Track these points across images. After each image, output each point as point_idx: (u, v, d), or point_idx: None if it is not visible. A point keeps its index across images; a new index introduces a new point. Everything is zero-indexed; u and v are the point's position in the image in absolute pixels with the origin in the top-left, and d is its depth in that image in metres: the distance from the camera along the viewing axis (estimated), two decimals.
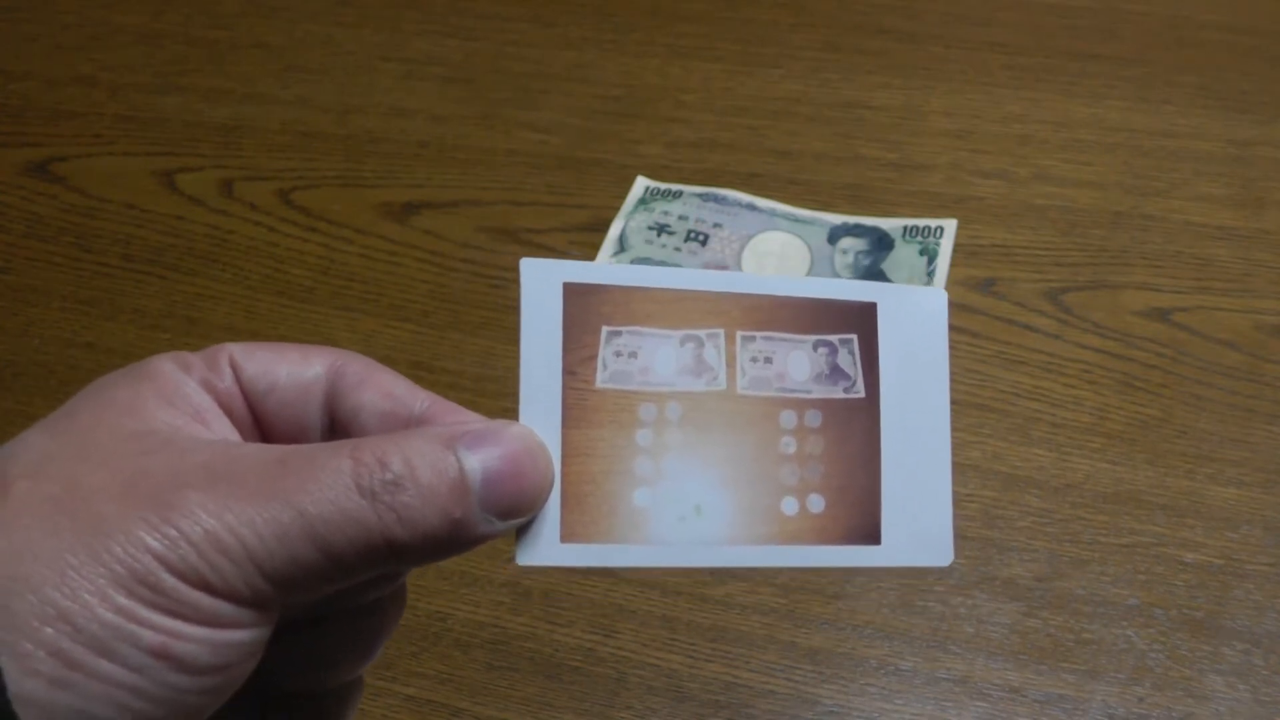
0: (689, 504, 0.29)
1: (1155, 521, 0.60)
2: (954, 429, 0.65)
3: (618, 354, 0.29)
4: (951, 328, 0.71)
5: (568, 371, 0.29)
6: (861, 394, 0.31)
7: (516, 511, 0.27)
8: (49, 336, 0.71)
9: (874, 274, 0.71)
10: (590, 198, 0.77)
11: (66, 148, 0.83)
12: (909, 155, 0.79)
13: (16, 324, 0.71)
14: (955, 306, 0.70)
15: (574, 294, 0.29)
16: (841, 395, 0.30)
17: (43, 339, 0.70)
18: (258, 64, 0.89)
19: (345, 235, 0.76)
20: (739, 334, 0.30)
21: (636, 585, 0.58)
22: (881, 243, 0.73)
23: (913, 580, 0.58)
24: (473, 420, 0.28)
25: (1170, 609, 0.57)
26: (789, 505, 0.30)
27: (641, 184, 0.78)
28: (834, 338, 0.31)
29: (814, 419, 0.30)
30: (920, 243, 0.72)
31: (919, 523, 0.31)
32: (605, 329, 0.29)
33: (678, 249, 0.73)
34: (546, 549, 0.29)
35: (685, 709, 0.54)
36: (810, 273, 0.72)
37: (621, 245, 0.74)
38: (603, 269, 0.30)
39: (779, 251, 0.73)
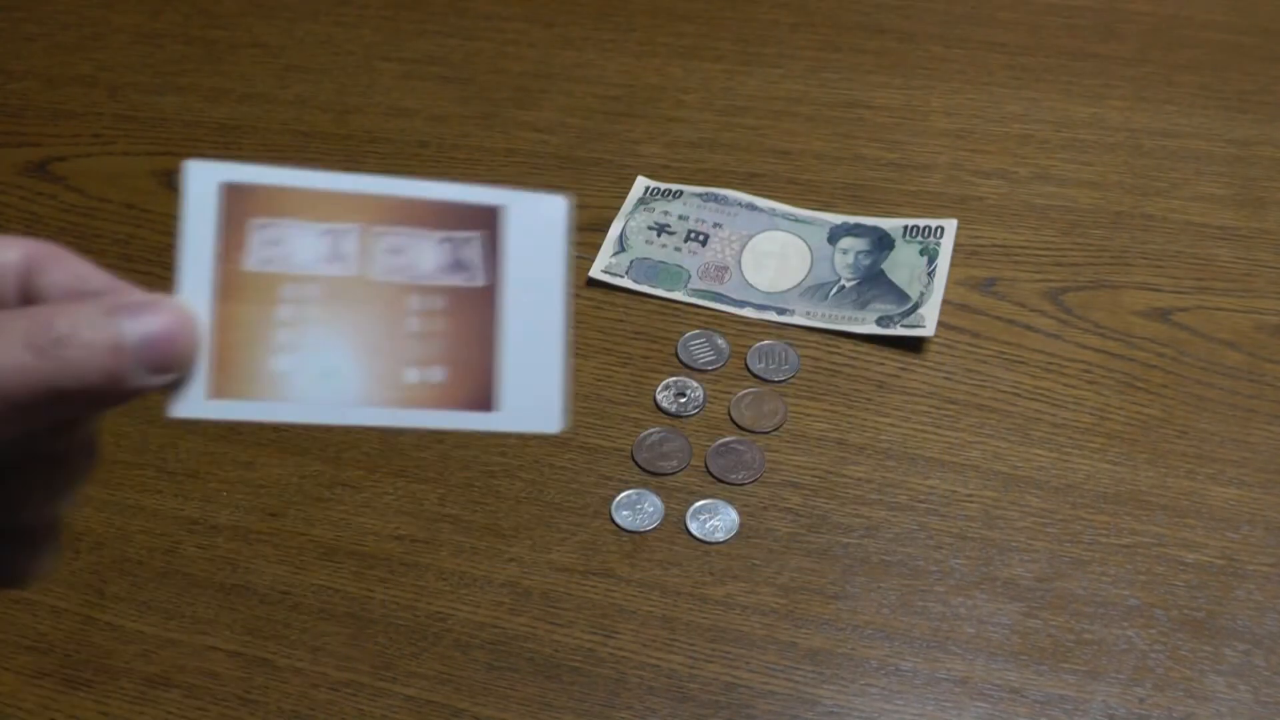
0: (322, 369, 0.34)
1: (1156, 522, 0.60)
2: (954, 429, 0.65)
3: (265, 242, 0.34)
4: (952, 328, 0.72)
5: (220, 256, 0.33)
6: (482, 283, 0.35)
7: (167, 368, 0.32)
8: None
9: (874, 274, 0.71)
10: (590, 198, 0.77)
11: (66, 147, 0.83)
12: (909, 155, 0.79)
13: None
14: (955, 306, 0.70)
15: (230, 191, 0.34)
16: (464, 284, 0.35)
17: None
18: (257, 64, 0.89)
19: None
20: (374, 228, 0.34)
21: (636, 585, 0.58)
22: (882, 243, 0.73)
23: (911, 580, 0.58)
24: (136, 294, 0.32)
25: (1171, 609, 0.57)
26: (411, 374, 0.34)
27: (641, 184, 0.78)
28: (460, 234, 0.35)
29: (437, 303, 0.35)
30: (920, 243, 0.72)
31: (531, 395, 0.35)
32: (254, 221, 0.34)
33: (678, 249, 0.73)
34: (195, 403, 0.33)
35: (685, 709, 0.54)
36: (810, 272, 0.72)
37: (622, 245, 0.74)
38: (256, 170, 0.34)
39: (779, 251, 0.73)
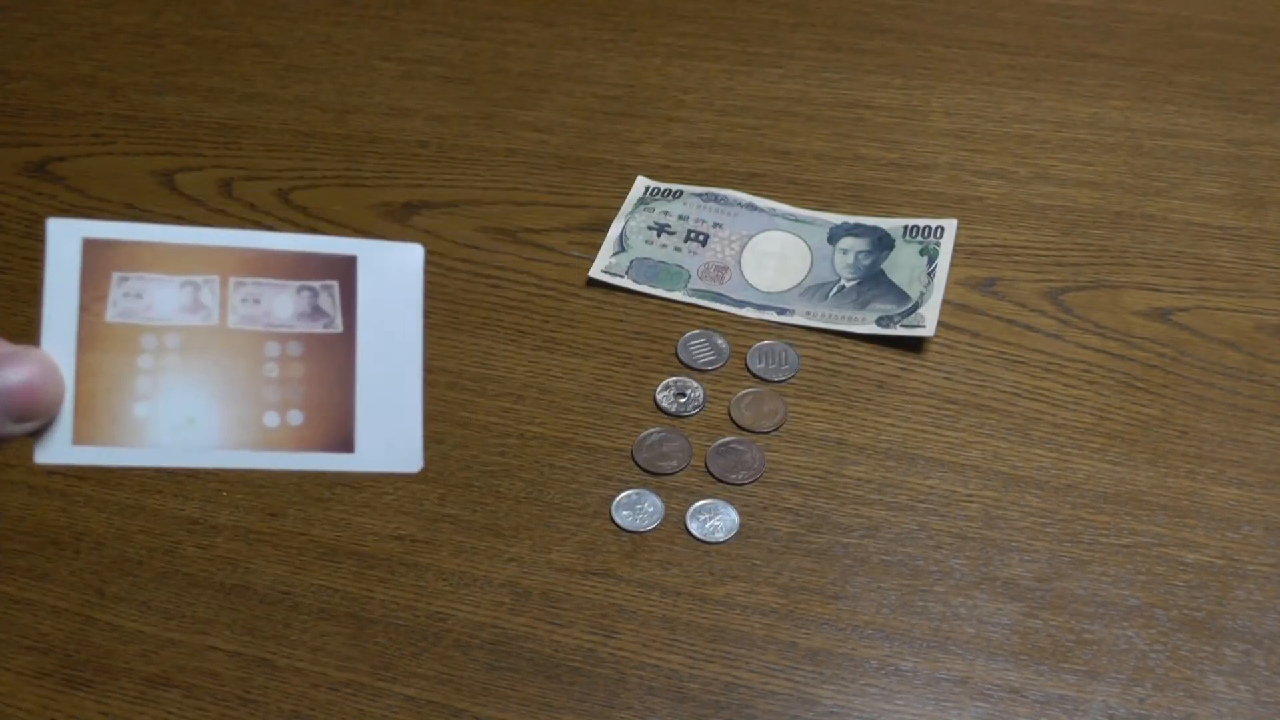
0: (183, 416, 0.35)
1: (1156, 522, 0.60)
2: (954, 429, 0.65)
3: (125, 294, 0.35)
4: (952, 328, 0.72)
5: (83, 308, 0.35)
6: (339, 330, 0.37)
7: (29, 417, 0.33)
8: None
9: (874, 274, 0.71)
10: (590, 198, 0.77)
11: (66, 147, 0.83)
12: (909, 155, 0.79)
13: (16, 324, 0.71)
14: (955, 306, 0.70)
15: (91, 247, 0.35)
16: (321, 330, 0.36)
17: None
18: (257, 64, 0.89)
19: (345, 235, 0.76)
20: (231, 279, 0.36)
21: (636, 585, 0.58)
22: (882, 243, 0.73)
23: (911, 580, 0.58)
24: (2, 347, 0.34)
25: (1171, 609, 0.57)
26: (271, 418, 0.36)
27: (641, 184, 0.78)
28: (317, 283, 0.37)
29: (295, 349, 0.36)
30: (920, 243, 0.72)
31: (390, 436, 0.37)
32: (115, 274, 0.35)
33: (678, 249, 0.73)
34: (59, 449, 0.34)
35: (685, 709, 0.54)
36: (810, 272, 0.72)
37: (622, 245, 0.74)
38: (116, 227, 0.35)
39: (779, 251, 0.73)
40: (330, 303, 0.37)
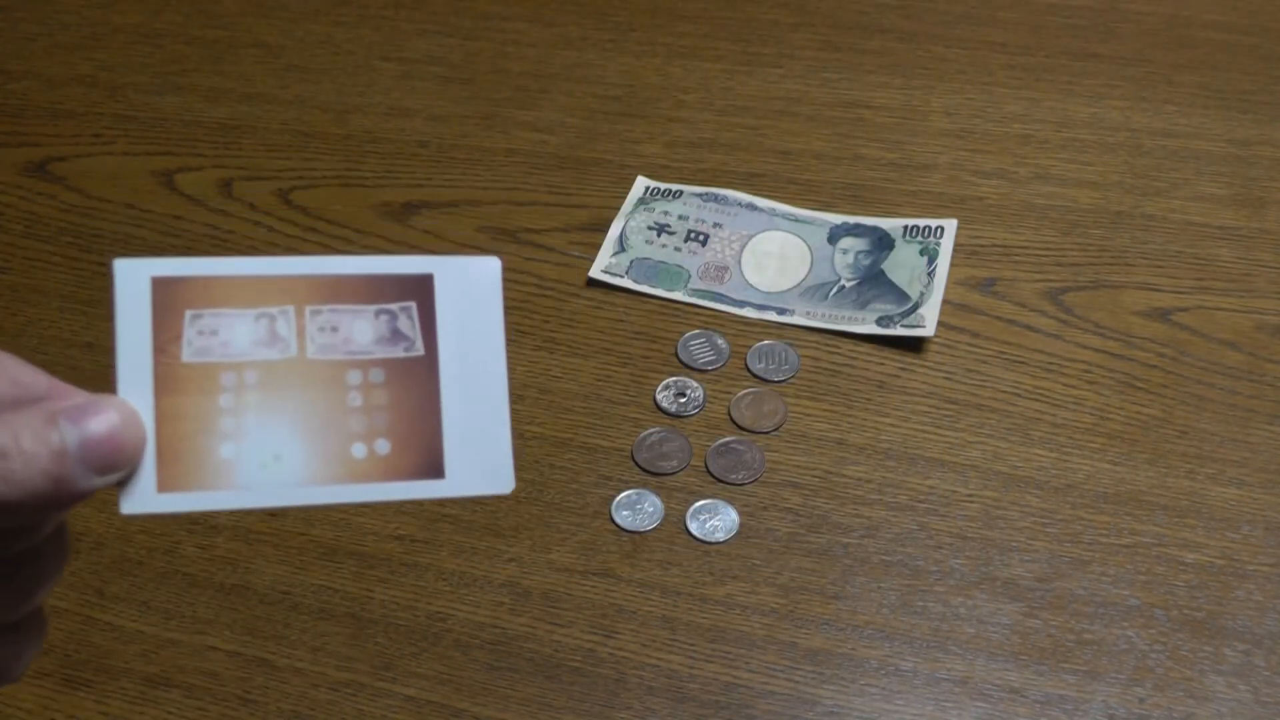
0: (269, 453, 0.34)
1: (1156, 522, 0.60)
2: (954, 429, 0.65)
3: (200, 333, 0.34)
4: (952, 328, 0.72)
5: (158, 350, 0.34)
6: (421, 352, 0.36)
7: (113, 468, 0.32)
8: (48, 336, 0.70)
9: (874, 274, 0.71)
10: (590, 198, 0.77)
11: (65, 147, 0.83)
12: (909, 155, 0.79)
13: (16, 324, 0.71)
14: (955, 306, 0.70)
15: (161, 285, 0.34)
16: (402, 354, 0.35)
17: (42, 339, 0.70)
18: (257, 64, 0.89)
19: (345, 235, 0.76)
20: (307, 308, 0.35)
21: (636, 585, 0.58)
22: (882, 243, 0.73)
23: (911, 580, 0.58)
24: (78, 396, 0.33)
25: (1171, 609, 0.57)
26: (358, 450, 0.35)
27: (641, 184, 0.78)
28: (394, 306, 0.36)
29: (377, 376, 0.35)
30: (921, 243, 0.72)
31: (480, 458, 0.36)
32: (188, 312, 0.34)
33: (678, 249, 0.73)
34: (145, 498, 0.33)
35: (685, 709, 0.54)
36: (810, 272, 0.72)
37: (621, 245, 0.74)
38: (185, 263, 0.34)
39: (779, 251, 0.73)
40: (410, 325, 0.36)
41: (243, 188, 0.79)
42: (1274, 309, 0.69)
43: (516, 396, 0.66)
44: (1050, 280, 0.71)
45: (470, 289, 0.36)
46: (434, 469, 0.35)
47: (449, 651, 0.56)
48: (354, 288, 0.36)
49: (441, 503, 0.61)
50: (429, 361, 0.36)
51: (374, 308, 0.35)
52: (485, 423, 0.36)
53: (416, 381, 0.35)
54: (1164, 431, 0.64)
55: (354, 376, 0.35)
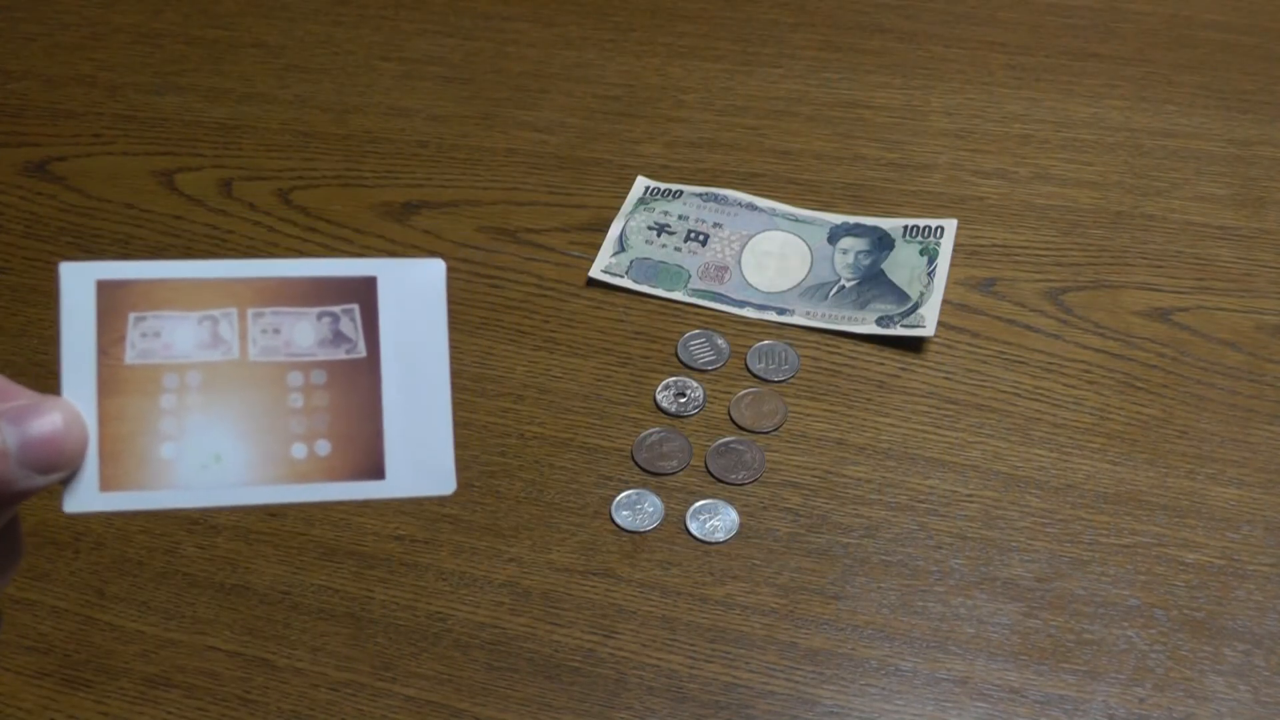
0: (209, 454, 0.34)
1: (1156, 522, 0.60)
2: (954, 429, 0.65)
3: (144, 335, 0.34)
4: (952, 328, 0.72)
5: (101, 352, 0.34)
6: (363, 354, 0.36)
7: (54, 468, 0.33)
8: (48, 336, 0.70)
9: (874, 274, 0.71)
10: (590, 198, 0.77)
11: (65, 147, 0.83)
12: (909, 155, 0.79)
13: (16, 324, 0.71)
14: (955, 306, 0.70)
15: (105, 288, 0.34)
16: (344, 356, 0.36)
17: (42, 339, 0.70)
18: (257, 63, 0.89)
19: (345, 235, 0.76)
20: (250, 310, 0.35)
21: (636, 585, 0.58)
22: (882, 243, 0.73)
23: (911, 580, 0.58)
24: (22, 397, 0.33)
25: (1171, 609, 0.57)
26: (298, 450, 0.35)
27: (641, 184, 0.78)
28: (337, 308, 0.36)
29: (319, 377, 0.36)
30: (921, 243, 0.72)
31: (421, 459, 0.36)
32: (132, 315, 0.35)
33: (678, 249, 0.73)
34: (87, 497, 0.34)
35: (685, 709, 0.54)
36: (810, 272, 0.72)
37: (622, 245, 0.74)
38: (130, 266, 0.35)
39: (779, 251, 0.73)
40: (352, 327, 0.36)
41: (243, 188, 0.79)
42: (1274, 309, 0.69)
43: (516, 396, 0.66)
44: (1050, 280, 0.71)
45: (414, 291, 0.37)
46: (374, 470, 0.36)
47: (449, 651, 0.56)
48: (297, 290, 0.36)
49: (442, 502, 0.61)
50: (371, 363, 0.36)
51: (316, 310, 0.36)
52: (427, 425, 0.36)
53: (358, 383, 0.36)
54: (1164, 431, 0.64)
55: (295, 378, 0.35)
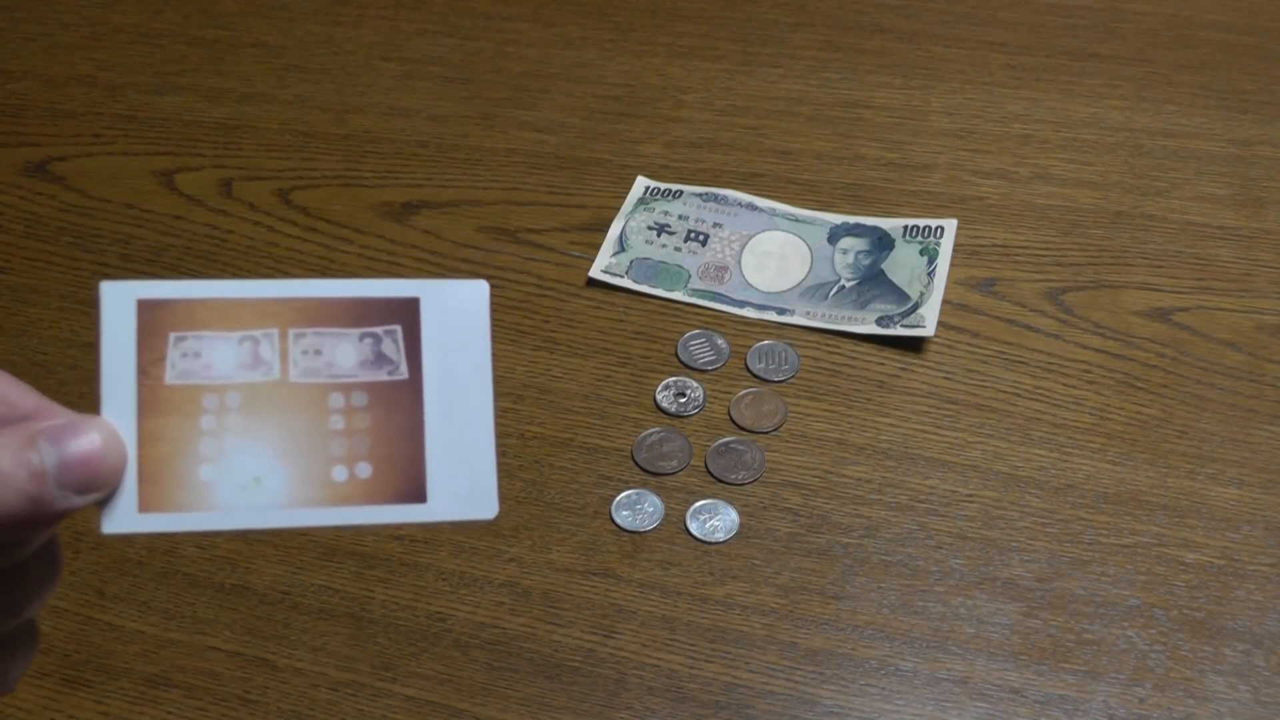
0: (249, 476, 0.34)
1: (1156, 522, 0.60)
2: (954, 429, 0.65)
3: (184, 355, 0.34)
4: (952, 328, 0.71)
5: (141, 372, 0.34)
6: (405, 376, 0.35)
7: (92, 489, 0.33)
8: (48, 336, 0.70)
9: (874, 274, 0.71)
10: (590, 198, 0.77)
11: (65, 147, 0.83)
12: (909, 155, 0.79)
13: (15, 324, 0.71)
14: (955, 306, 0.70)
15: (146, 308, 0.34)
16: (386, 378, 0.35)
17: (42, 339, 0.70)
18: (257, 64, 0.89)
19: (344, 235, 0.76)
20: (291, 331, 0.35)
21: (636, 585, 0.58)
22: (882, 243, 0.73)
23: (911, 580, 0.58)
24: (61, 415, 0.33)
25: (1171, 609, 0.57)
26: (339, 473, 0.35)
27: (641, 184, 0.78)
28: (379, 329, 0.36)
29: (360, 399, 0.35)
30: (921, 243, 0.72)
31: (463, 483, 0.35)
32: (172, 335, 0.34)
33: (678, 249, 0.73)
34: (125, 519, 0.34)
35: (685, 709, 0.54)
36: (810, 272, 0.72)
37: (622, 245, 0.74)
38: (171, 285, 0.35)
39: (779, 251, 0.73)
40: (394, 348, 0.36)
41: (242, 188, 0.79)
42: (1274, 309, 0.69)
43: (516, 396, 0.66)
44: (1050, 280, 0.71)
45: (457, 313, 0.36)
46: (416, 493, 0.35)
47: (449, 651, 0.56)
48: (338, 311, 0.35)
49: None
50: (413, 385, 0.36)
51: (358, 331, 0.35)
52: (469, 447, 0.36)
53: (400, 405, 0.35)
54: (1164, 431, 0.64)
55: (336, 399, 0.35)
